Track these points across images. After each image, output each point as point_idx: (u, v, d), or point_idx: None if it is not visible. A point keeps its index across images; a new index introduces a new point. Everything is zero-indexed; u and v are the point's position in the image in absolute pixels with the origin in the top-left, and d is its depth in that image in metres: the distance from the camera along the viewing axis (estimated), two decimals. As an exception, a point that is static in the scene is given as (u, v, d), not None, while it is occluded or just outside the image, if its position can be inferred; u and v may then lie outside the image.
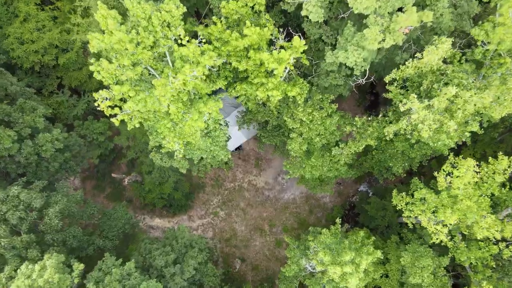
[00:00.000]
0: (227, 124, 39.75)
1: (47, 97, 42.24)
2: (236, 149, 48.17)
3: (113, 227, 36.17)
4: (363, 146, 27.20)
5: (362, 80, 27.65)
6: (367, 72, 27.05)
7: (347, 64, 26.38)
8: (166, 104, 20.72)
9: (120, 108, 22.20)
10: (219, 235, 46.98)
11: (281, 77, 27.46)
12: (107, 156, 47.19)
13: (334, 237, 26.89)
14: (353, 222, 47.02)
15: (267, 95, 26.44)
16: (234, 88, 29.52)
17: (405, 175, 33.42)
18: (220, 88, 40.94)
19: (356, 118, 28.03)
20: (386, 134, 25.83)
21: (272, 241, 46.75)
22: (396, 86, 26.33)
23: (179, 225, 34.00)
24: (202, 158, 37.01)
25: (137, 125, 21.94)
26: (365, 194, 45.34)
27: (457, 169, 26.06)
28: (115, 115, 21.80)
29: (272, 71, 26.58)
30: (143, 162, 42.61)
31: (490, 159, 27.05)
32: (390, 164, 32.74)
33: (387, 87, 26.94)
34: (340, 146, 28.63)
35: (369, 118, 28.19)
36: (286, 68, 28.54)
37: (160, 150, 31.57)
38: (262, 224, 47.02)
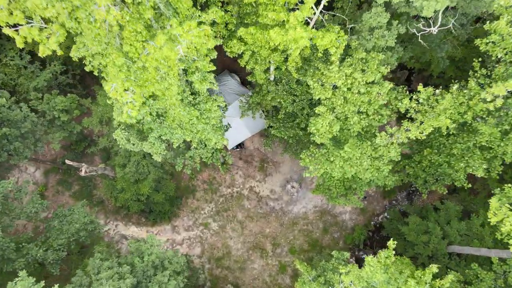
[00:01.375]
0: (226, 106, 30.13)
1: (4, 64, 33.08)
2: (237, 146, 38.41)
3: (63, 232, 26.22)
4: (430, 129, 17.45)
5: (434, 29, 18.04)
6: (440, 18, 17.60)
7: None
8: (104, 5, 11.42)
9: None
10: (209, 253, 36.73)
11: (306, 21, 18.14)
12: (77, 144, 37.59)
13: (385, 270, 16.59)
14: (379, 247, 36.57)
15: (286, 42, 16.93)
16: (236, 38, 20.22)
17: (469, 185, 23.34)
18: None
19: (420, 88, 18.28)
20: (484, 102, 16.01)
21: (275, 265, 36.39)
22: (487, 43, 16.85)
23: (148, 235, 24.05)
24: (190, 149, 27.26)
25: (62, 40, 12.52)
26: (396, 212, 35.02)
27: None
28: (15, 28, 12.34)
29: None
30: (117, 153, 32.89)
31: None
32: (450, 169, 22.69)
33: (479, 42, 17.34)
34: (388, 131, 18.75)
35: (436, 91, 18.45)
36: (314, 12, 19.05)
37: (129, 127, 21.98)
38: (264, 243, 36.79)
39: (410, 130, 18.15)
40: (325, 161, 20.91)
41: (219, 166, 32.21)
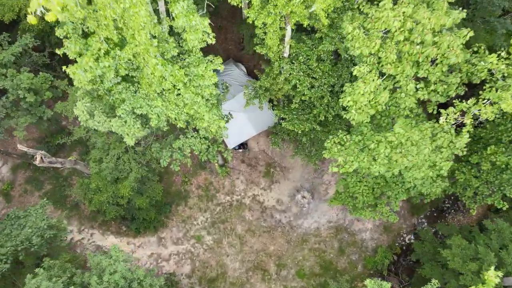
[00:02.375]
0: (227, 87, 24.31)
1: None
2: (239, 147, 32.41)
3: (9, 239, 20.11)
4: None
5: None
6: None
7: None
8: None
9: None
10: (200, 272, 30.27)
11: None
12: (52, 136, 31.76)
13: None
14: (407, 273, 29.98)
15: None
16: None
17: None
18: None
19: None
20: None
21: (279, 291, 29.88)
22: None
23: (112, 246, 17.85)
24: (179, 137, 21.24)
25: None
26: (430, 232, 28.53)
27: None
28: None
29: None
30: (95, 145, 26.96)
31: None
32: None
33: None
34: (459, 107, 12.69)
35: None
36: None
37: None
38: (266, 262, 30.34)
39: (492, 103, 12.17)
40: (359, 152, 14.76)
41: (216, 165, 26.18)
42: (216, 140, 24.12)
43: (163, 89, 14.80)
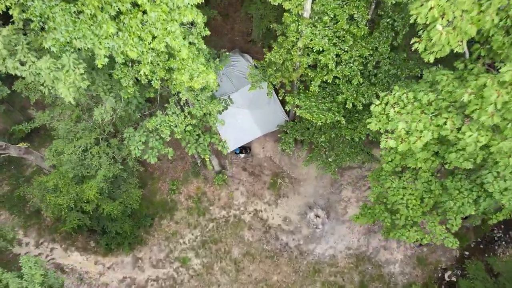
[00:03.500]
0: (226, 55, 18.62)
1: None
2: (240, 150, 26.49)
3: None
4: None
5: None
6: None
7: None
8: None
9: None
10: (183, 305, 23.68)
11: None
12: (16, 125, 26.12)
13: None
14: (449, 322, 23.07)
15: None
16: None
17: None
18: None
19: None
20: None
21: (281, 335, 23.04)
22: None
23: (23, 258, 11.77)
24: (155, 116, 15.43)
25: None
26: (481, 267, 21.87)
27: None
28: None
29: None
30: (59, 134, 21.22)
31: None
32: None
33: None
34: None
35: None
36: None
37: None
38: (268, 297, 23.73)
39: None
40: (433, 117, 8.64)
41: (208, 164, 20.24)
42: (210, 128, 18.32)
43: (118, 9, 9.19)
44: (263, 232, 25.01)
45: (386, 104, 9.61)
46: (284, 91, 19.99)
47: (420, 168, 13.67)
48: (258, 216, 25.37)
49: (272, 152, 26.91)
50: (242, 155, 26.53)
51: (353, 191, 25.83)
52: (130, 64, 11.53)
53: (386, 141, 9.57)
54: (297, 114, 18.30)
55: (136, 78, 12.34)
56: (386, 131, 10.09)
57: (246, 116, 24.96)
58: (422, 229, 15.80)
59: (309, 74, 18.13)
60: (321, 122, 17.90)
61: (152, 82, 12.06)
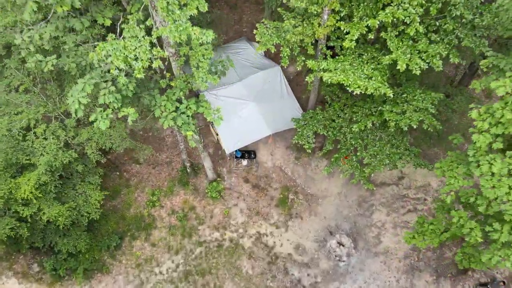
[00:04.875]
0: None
1: None
2: (242, 154, 20.51)
3: None
4: None
5: None
6: None
7: None
8: None
9: None
10: None
11: None
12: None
13: None
14: None
15: None
16: None
17: None
18: None
19: None
20: None
21: None
22: None
23: None
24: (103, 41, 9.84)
25: None
26: None
27: None
28: None
29: None
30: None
31: None
32: None
33: None
34: None
35: None
36: None
37: None
38: None
39: None
40: None
41: (189, 137, 14.32)
42: (197, 92, 12.65)
43: None
44: (268, 263, 18.40)
45: None
46: (303, 58, 14.39)
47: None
48: (261, 242, 18.89)
49: (282, 161, 20.90)
50: (244, 162, 20.54)
51: (388, 213, 19.42)
52: None
53: None
54: (325, 79, 12.55)
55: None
56: None
57: (251, 110, 19.34)
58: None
59: (342, 27, 12.63)
60: (360, 90, 12.13)
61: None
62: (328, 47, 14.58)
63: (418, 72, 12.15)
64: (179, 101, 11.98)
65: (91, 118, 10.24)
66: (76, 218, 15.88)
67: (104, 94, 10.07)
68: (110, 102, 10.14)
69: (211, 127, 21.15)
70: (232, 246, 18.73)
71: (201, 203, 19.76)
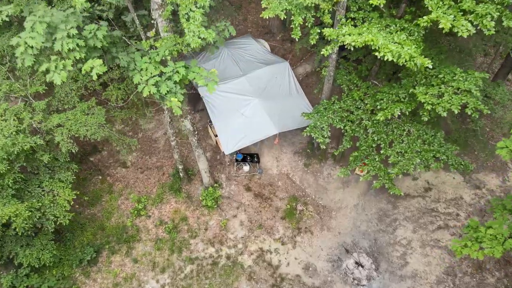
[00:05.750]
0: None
1: None
2: (243, 157, 17.76)
3: None
4: None
5: None
6: None
7: None
8: None
9: None
10: None
11: None
12: None
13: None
14: None
15: None
16: None
17: None
18: None
19: None
20: None
21: None
22: None
23: None
24: None
25: None
26: None
27: None
28: None
29: None
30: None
31: None
32: None
33: None
34: None
35: None
36: None
37: None
38: None
39: None
40: None
41: (172, 105, 11.65)
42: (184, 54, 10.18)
43: None
44: (271, 286, 15.19)
45: None
46: (319, 30, 11.92)
47: None
48: (264, 260, 15.75)
49: (290, 168, 18.09)
50: (246, 167, 17.73)
51: (414, 230, 16.34)
52: None
53: None
54: (348, 42, 10.01)
55: None
56: None
57: (255, 108, 16.81)
58: None
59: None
60: (392, 57, 9.57)
61: None
62: (347, 18, 12.17)
63: (465, 34, 9.60)
64: (164, 64, 9.46)
65: (41, 68, 7.68)
66: (40, 222, 12.99)
67: (62, 38, 7.57)
68: (70, 49, 7.63)
69: (209, 127, 18.57)
70: (229, 264, 15.61)
71: (195, 213, 16.82)
